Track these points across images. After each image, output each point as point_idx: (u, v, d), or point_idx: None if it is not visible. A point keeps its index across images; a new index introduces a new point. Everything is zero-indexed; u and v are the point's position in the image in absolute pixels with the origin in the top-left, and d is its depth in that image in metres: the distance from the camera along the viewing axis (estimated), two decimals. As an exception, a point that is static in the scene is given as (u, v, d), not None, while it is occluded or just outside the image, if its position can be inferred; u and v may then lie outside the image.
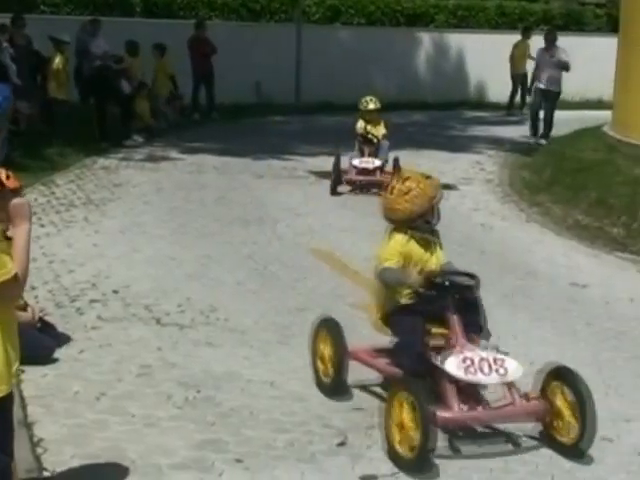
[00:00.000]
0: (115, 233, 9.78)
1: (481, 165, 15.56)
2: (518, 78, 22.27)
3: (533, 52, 19.46)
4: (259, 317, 7.17)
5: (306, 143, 16.83)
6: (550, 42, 17.66)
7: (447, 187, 13.24)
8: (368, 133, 12.92)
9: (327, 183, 13.04)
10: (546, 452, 5.00)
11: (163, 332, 6.75)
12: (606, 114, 16.66)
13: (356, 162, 12.57)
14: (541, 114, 17.80)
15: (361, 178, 12.59)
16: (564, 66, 17.40)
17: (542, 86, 17.51)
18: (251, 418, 5.33)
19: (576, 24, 28.06)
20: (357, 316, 7.25)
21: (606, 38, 21.71)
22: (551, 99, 17.60)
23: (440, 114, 22.01)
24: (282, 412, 5.43)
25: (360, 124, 13.03)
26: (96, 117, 16.09)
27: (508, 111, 22.38)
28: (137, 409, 5.40)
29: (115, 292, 7.65)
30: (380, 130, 13.05)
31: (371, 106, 13.10)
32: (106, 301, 7.42)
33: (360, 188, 12.58)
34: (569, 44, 24.24)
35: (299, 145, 16.72)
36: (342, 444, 5.05)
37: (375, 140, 12.85)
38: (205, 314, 7.17)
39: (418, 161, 15.37)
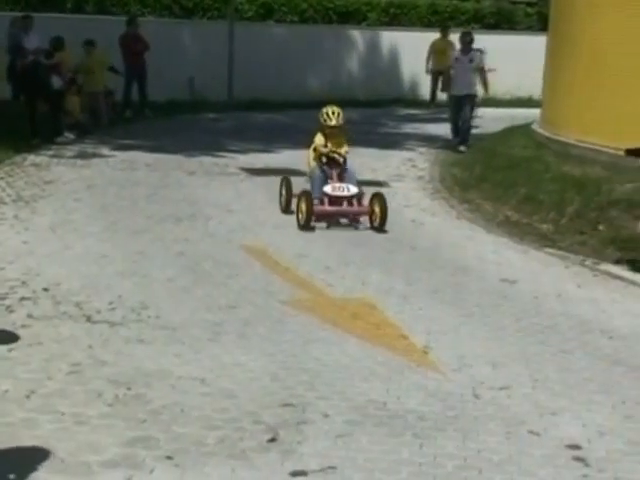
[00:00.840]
0: (45, 230, 9.67)
1: (413, 162, 15.70)
2: (436, 74, 22.59)
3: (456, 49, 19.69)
4: (190, 314, 7.15)
5: (238, 140, 16.83)
6: (467, 45, 16.77)
7: (379, 184, 13.37)
8: (333, 152, 10.99)
9: (259, 180, 13.04)
10: (474, 446, 5.06)
11: (94, 330, 6.69)
12: (536, 112, 16.91)
13: (328, 189, 10.54)
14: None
15: (335, 210, 10.60)
16: (481, 71, 16.73)
17: (458, 93, 16.63)
18: (182, 415, 5.31)
19: (507, 22, 28.39)
20: (288, 313, 7.30)
21: (537, 37, 22.01)
22: (469, 105, 16.68)
23: (373, 112, 22.14)
24: (213, 409, 5.42)
25: (320, 140, 11.07)
26: (27, 114, 15.88)
27: (429, 107, 22.74)
28: (67, 407, 5.35)
29: (45, 290, 7.57)
30: (344, 147, 11.18)
31: (333, 122, 11.04)
32: (36, 299, 7.33)
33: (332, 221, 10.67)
34: (500, 42, 24.69)
35: (231, 142, 16.71)
36: (273, 440, 5.06)
37: (342, 160, 10.98)
38: (136, 311, 7.13)
39: (351, 159, 15.46)
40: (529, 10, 29.17)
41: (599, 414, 5.59)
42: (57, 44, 17.36)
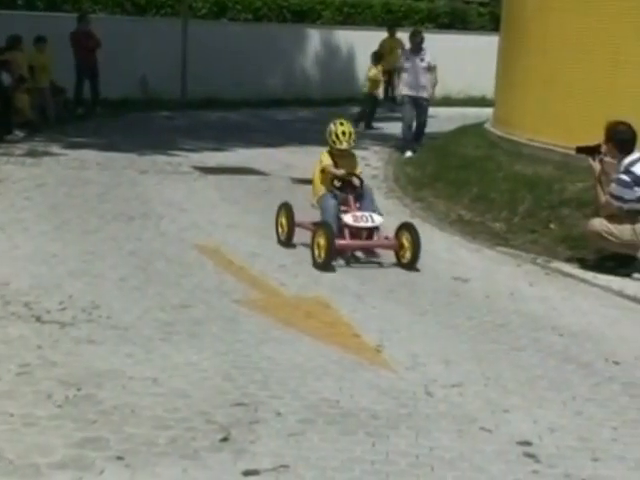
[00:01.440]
0: (-6, 230, 9.55)
1: (366, 161, 15.66)
2: (386, 74, 22.65)
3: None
4: (142, 314, 7.09)
5: (192, 139, 16.76)
6: (418, 45, 16.13)
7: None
8: (350, 174, 9.45)
9: (212, 179, 12.99)
10: (426, 443, 5.07)
11: (43, 330, 6.61)
12: (489, 111, 17.00)
13: (348, 219, 8.98)
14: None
15: (360, 245, 9.18)
16: (433, 71, 16.05)
17: (412, 93, 16.03)
18: (133, 415, 5.26)
19: (461, 22, 28.58)
20: (241, 312, 7.27)
21: (489, 36, 22.16)
22: (424, 107, 16.27)
23: (327, 110, 22.10)
24: (165, 409, 5.37)
25: (327, 161, 9.52)
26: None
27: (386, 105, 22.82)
28: (16, 408, 5.28)
29: (-6, 290, 7.47)
30: (358, 167, 9.81)
31: (344, 146, 9.54)
32: (-16, 299, 7.23)
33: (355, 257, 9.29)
34: (454, 42, 24.84)
35: (185, 141, 16.64)
36: (225, 440, 5.03)
37: (359, 183, 9.48)
38: (87, 311, 7.05)
39: (305, 158, 15.47)
40: (482, 10, 29.40)
41: (550, 411, 5.63)
42: (11, 42, 17.16)
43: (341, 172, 9.43)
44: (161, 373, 5.91)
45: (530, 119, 13.78)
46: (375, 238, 9.16)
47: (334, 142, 9.59)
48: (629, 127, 8.87)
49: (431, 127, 19.15)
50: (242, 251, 9.20)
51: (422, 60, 16.04)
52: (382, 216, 9.18)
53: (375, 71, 20.02)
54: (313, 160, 15.15)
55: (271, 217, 9.87)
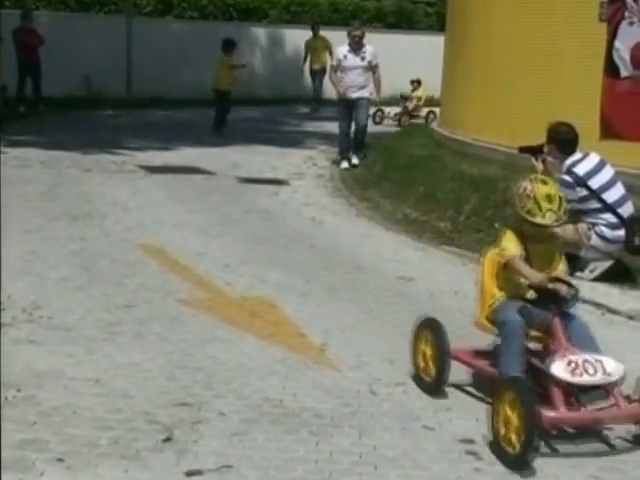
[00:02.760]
0: None
1: (313, 160, 15.73)
2: (314, 74, 22.79)
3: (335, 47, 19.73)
4: (85, 314, 7.01)
5: (136, 137, 16.63)
6: (358, 42, 14.69)
7: (279, 182, 13.37)
8: (556, 279, 5.67)
9: (157, 178, 12.91)
10: (370, 442, 5.08)
11: (-18, 331, 6.51)
12: (436, 111, 17.10)
13: (560, 369, 5.17)
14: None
15: (592, 418, 5.23)
16: (375, 70, 14.76)
17: (352, 95, 14.52)
18: (74, 416, 5.20)
19: (407, 22, 28.73)
20: (186, 312, 7.22)
21: (436, 37, 22.29)
22: (363, 107, 14.77)
23: (275, 110, 22.13)
24: (107, 409, 5.32)
25: (513, 246, 5.72)
26: None
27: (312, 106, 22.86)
28: (-46, 411, 5.19)
29: None
30: (560, 263, 6.06)
31: (548, 221, 5.64)
32: None
33: None
34: (401, 42, 24.96)
35: (129, 139, 16.51)
36: (168, 440, 4.99)
37: (569, 293, 5.58)
38: (28, 312, 6.95)
39: (251, 157, 15.45)
40: (429, 10, 29.59)
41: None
42: None
43: (540, 279, 5.61)
44: (104, 374, 5.85)
45: (474, 119, 13.89)
46: (610, 401, 5.18)
47: (530, 212, 5.61)
48: (571, 128, 8.95)
49: (378, 127, 19.28)
50: (187, 250, 9.14)
51: (362, 59, 14.66)
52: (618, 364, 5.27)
53: None
54: (260, 159, 15.15)
55: (217, 216, 9.80)
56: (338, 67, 14.81)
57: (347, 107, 14.75)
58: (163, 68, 22.38)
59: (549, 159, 9.09)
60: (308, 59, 23.28)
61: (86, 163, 13.86)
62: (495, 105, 13.15)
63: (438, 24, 26.55)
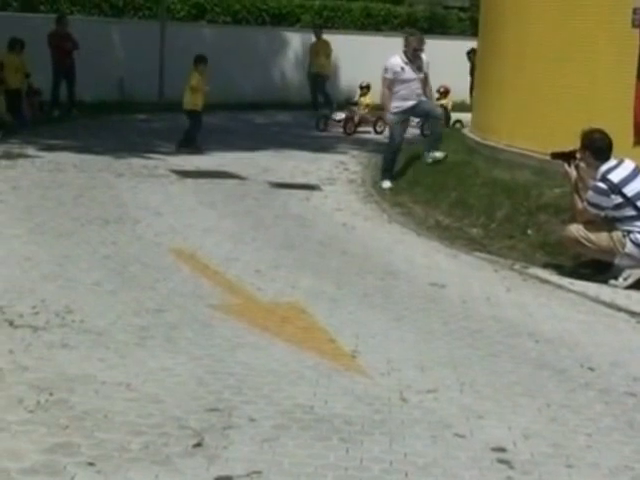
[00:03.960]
0: (-32, 232, 9.46)
1: (345, 165, 15.71)
2: (311, 77, 22.58)
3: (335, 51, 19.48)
4: (116, 318, 7.03)
5: (168, 142, 16.67)
6: (416, 50, 13.74)
7: (310, 187, 13.37)
8: None
9: (189, 182, 12.94)
10: (400, 450, 5.05)
11: (16, 334, 6.54)
12: (468, 116, 17.03)
13: None
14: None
15: None
16: (426, 79, 13.99)
17: (410, 102, 13.74)
18: (105, 421, 5.21)
19: (440, 27, 28.68)
20: (217, 317, 7.22)
21: (469, 41, 22.23)
22: (427, 102, 14.14)
23: (306, 114, 22.11)
24: (137, 414, 5.32)
25: None
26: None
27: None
28: (-14, 414, 5.22)
29: (-34, 293, 7.40)
30: None
31: None
32: (-44, 303, 7.16)
33: None
34: (433, 47, 24.87)
35: (162, 144, 16.57)
36: (198, 445, 4.98)
37: None
38: (60, 316, 6.99)
39: (283, 162, 15.47)
40: (462, 15, 29.52)
41: (524, 417, 5.61)
42: None
43: None
44: (135, 378, 5.86)
45: (507, 125, 13.80)
46: None
47: None
48: (605, 134, 8.89)
49: (408, 132, 19.22)
50: (218, 256, 9.15)
51: (419, 69, 13.71)
52: None
53: None
54: (291, 164, 15.17)
55: (248, 221, 9.82)
56: (395, 80, 13.58)
57: (404, 120, 13.97)
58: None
59: (582, 165, 9.04)
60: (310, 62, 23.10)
61: (118, 167, 13.92)
62: (528, 111, 13.06)
63: (471, 29, 26.48)
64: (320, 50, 22.80)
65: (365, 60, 22.85)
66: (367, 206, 12.36)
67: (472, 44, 17.65)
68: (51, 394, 5.52)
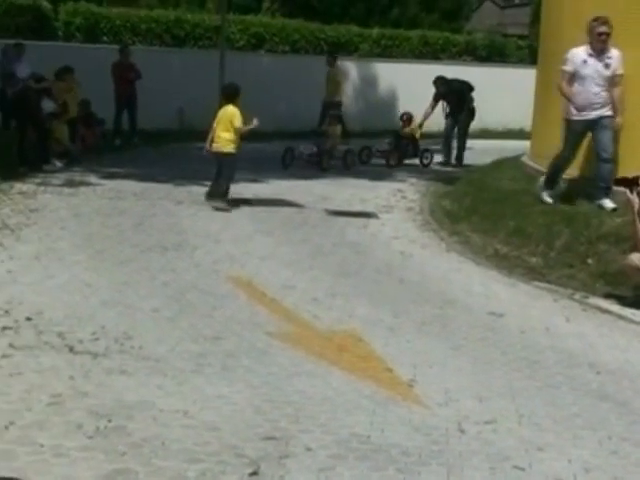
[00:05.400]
0: (30, 259, 9.59)
1: (402, 193, 15.68)
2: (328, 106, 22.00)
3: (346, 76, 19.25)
4: (174, 345, 7.08)
5: (228, 170, 16.73)
6: (604, 41, 11.42)
7: (368, 215, 13.36)
8: None
9: (247, 210, 12.99)
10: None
11: (75, 360, 6.62)
12: (526, 144, 16.92)
13: None
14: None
15: None
16: (618, 81, 11.57)
17: (591, 114, 11.62)
18: (163, 448, 5.24)
19: (499, 55, 28.61)
20: (274, 345, 7.23)
21: (528, 69, 22.11)
22: (609, 130, 11.69)
23: (366, 142, 22.11)
24: (195, 442, 5.34)
25: None
26: (17, 141, 15.86)
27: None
28: (46, 439, 5.27)
29: (28, 319, 7.48)
30: None
31: None
32: (18, 328, 7.25)
33: None
34: (492, 75, 24.85)
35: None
36: (254, 474, 4.98)
37: None
38: (119, 342, 7.05)
39: (340, 190, 15.49)
40: (521, 43, 29.43)
41: (585, 450, 5.53)
42: (58, 72, 17.37)
43: None
44: (192, 405, 5.88)
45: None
46: None
47: None
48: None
49: (467, 159, 19.21)
50: (275, 283, 9.17)
51: (607, 66, 11.46)
52: None
53: None
54: (348, 192, 15.22)
55: (305, 249, 9.83)
56: (575, 75, 11.62)
57: (582, 131, 11.82)
58: (254, 101, 22.55)
59: (645, 193, 8.90)
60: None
61: (178, 195, 14.05)
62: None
63: (530, 57, 26.38)
64: (329, 77, 22.38)
65: (423, 88, 22.80)
66: (424, 234, 12.31)
67: (531, 72, 17.48)
68: (110, 420, 5.57)
